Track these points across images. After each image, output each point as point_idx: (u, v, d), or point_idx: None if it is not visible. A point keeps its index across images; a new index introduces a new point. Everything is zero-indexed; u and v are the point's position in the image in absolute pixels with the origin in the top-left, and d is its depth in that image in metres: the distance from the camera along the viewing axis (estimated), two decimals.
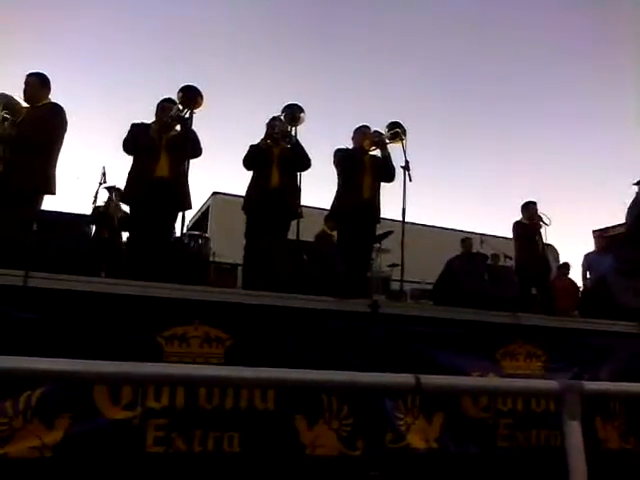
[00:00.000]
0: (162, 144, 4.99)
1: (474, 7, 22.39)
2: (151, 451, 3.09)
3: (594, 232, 12.44)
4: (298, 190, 5.55)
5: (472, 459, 3.75)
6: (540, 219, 7.33)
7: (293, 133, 5.51)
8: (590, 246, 12.50)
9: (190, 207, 5.19)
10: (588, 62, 25.28)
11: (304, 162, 5.45)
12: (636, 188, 6.58)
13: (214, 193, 13.67)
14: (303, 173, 5.57)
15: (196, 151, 5.09)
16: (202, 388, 3.18)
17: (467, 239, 9.47)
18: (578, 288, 9.61)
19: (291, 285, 3.83)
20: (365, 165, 5.50)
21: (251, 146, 5.55)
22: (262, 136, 5.63)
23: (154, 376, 1.91)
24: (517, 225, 7.48)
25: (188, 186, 5.12)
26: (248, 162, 5.48)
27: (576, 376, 3.96)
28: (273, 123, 5.54)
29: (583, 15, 22.89)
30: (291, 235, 5.56)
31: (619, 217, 8.05)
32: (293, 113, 5.52)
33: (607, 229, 11.57)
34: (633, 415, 4.22)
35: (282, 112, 5.57)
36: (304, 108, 5.50)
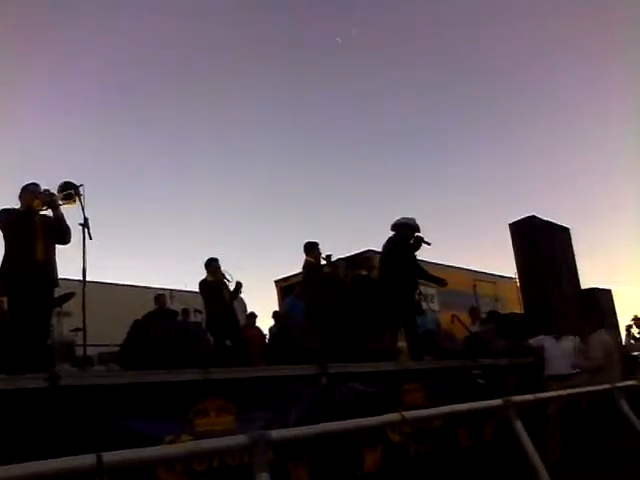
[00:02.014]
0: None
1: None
2: None
3: (276, 282, 13.47)
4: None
5: None
6: (223, 276, 7.64)
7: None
8: (273, 295, 13.56)
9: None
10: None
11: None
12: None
13: None
14: None
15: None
16: None
17: (161, 295, 9.29)
18: (264, 336, 10.18)
19: None
20: (36, 227, 5.01)
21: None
22: None
23: None
24: (203, 283, 7.67)
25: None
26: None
27: (268, 424, 4.10)
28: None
29: None
30: None
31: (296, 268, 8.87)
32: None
33: (287, 278, 12.63)
34: (320, 453, 4.50)
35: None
36: None
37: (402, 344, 7.73)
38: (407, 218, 7.44)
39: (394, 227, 7.42)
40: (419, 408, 5.12)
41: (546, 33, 23.14)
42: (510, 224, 10.01)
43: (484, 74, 25.20)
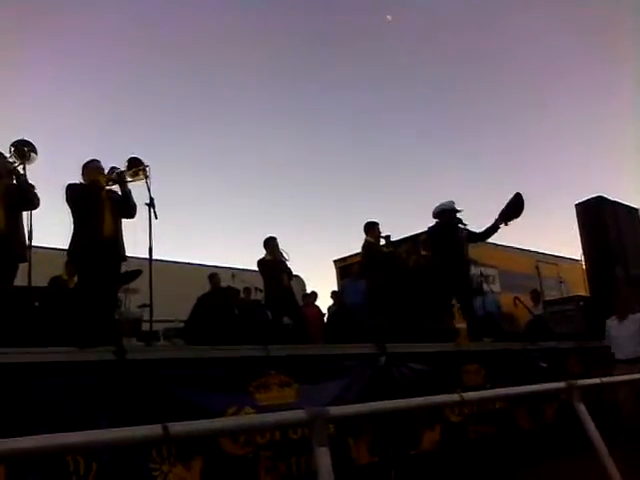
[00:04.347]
0: None
1: None
2: None
3: (335, 262, 13.52)
4: (23, 231, 5.01)
5: None
6: (281, 255, 7.71)
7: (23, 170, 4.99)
8: (332, 274, 13.62)
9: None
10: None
11: (31, 200, 4.95)
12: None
13: None
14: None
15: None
16: None
17: (214, 275, 9.38)
18: (323, 315, 10.26)
19: (20, 337, 3.40)
20: (103, 201, 5.06)
21: None
22: None
23: None
24: (261, 262, 7.76)
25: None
26: None
27: (328, 400, 4.15)
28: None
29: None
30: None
31: (355, 247, 8.88)
32: (23, 149, 5.04)
33: (345, 258, 12.66)
34: (378, 430, 4.54)
35: (11, 146, 5.06)
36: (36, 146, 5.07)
37: (461, 325, 7.66)
38: (444, 204, 7.34)
39: (436, 215, 7.35)
40: (479, 389, 5.09)
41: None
42: (576, 204, 9.71)
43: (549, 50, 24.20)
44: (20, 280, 4.97)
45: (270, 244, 7.75)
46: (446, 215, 7.22)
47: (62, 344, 3.70)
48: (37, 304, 5.13)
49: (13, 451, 2.26)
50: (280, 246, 7.76)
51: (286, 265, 7.74)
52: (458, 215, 7.25)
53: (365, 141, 29.47)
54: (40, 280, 5.32)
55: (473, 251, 9.97)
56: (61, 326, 4.50)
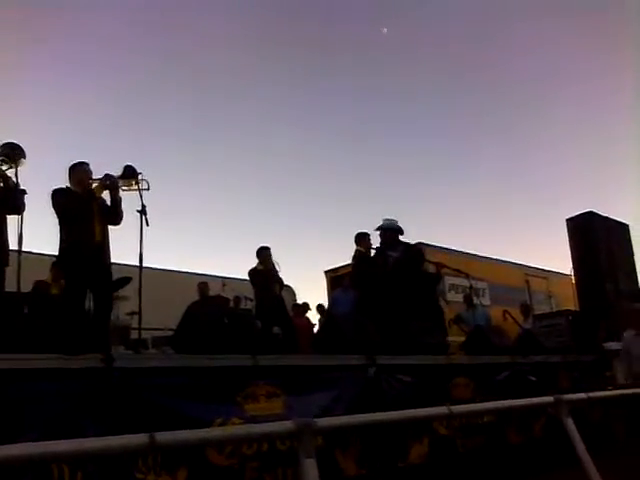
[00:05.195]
0: None
1: None
2: None
3: (326, 272, 13.54)
4: (6, 235, 4.99)
5: None
6: (273, 265, 7.72)
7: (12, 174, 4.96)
8: (323, 285, 13.63)
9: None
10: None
11: (17, 206, 4.94)
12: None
13: None
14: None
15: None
16: None
17: (203, 283, 9.41)
18: (313, 326, 10.25)
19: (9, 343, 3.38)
20: (93, 208, 5.01)
21: None
22: None
23: None
24: (253, 272, 7.77)
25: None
26: None
27: (315, 412, 4.13)
28: None
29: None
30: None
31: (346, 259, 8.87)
32: (12, 153, 5.00)
33: (337, 269, 12.67)
34: (367, 442, 4.52)
35: None
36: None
37: (451, 338, 7.68)
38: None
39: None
40: (468, 402, 5.09)
41: None
42: (567, 219, 9.79)
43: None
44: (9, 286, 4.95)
45: (263, 254, 7.77)
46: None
47: (51, 351, 3.66)
48: (26, 310, 5.08)
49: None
50: (272, 256, 7.78)
51: (278, 275, 7.75)
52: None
53: (359, 151, 29.61)
54: (30, 286, 5.27)
55: (463, 263, 10.06)
56: (49, 333, 4.47)
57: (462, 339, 7.66)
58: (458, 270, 8.83)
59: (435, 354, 5.81)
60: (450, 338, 7.66)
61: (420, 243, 11.78)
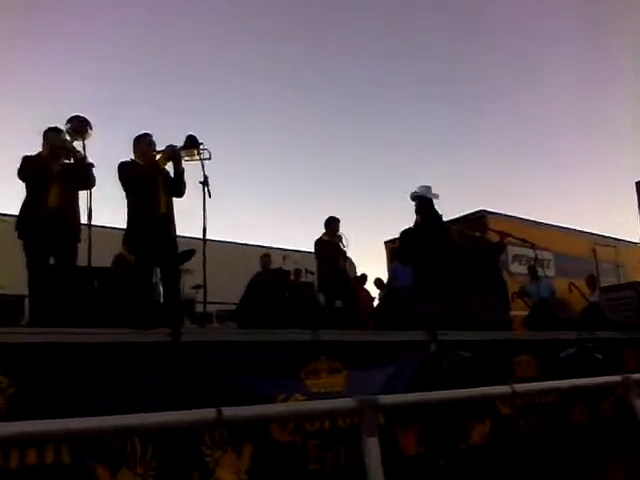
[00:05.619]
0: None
1: None
2: None
3: (386, 243, 13.43)
4: (79, 211, 5.13)
5: None
6: (340, 239, 7.64)
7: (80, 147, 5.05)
8: (382, 256, 13.56)
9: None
10: None
11: (87, 179, 5.02)
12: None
13: None
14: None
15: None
16: None
17: (265, 255, 9.44)
18: (373, 299, 10.24)
19: (81, 317, 3.50)
20: (158, 180, 4.98)
21: (26, 157, 4.98)
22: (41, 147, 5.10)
23: None
24: (319, 242, 7.69)
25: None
26: (23, 175, 4.94)
27: (377, 388, 4.14)
28: (53, 135, 5.05)
29: None
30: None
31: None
32: (79, 125, 5.05)
33: (396, 240, 12.55)
34: (427, 420, 4.50)
35: (67, 123, 5.07)
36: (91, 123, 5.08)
37: (514, 312, 7.52)
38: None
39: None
40: (531, 381, 5.00)
41: None
42: (637, 182, 9.33)
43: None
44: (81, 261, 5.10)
45: (332, 224, 7.66)
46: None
47: (121, 324, 3.77)
48: (97, 284, 5.26)
49: (75, 431, 2.38)
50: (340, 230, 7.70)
51: (342, 249, 7.66)
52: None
53: (410, 124, 29.03)
54: (100, 260, 5.43)
55: (527, 232, 9.76)
56: (120, 307, 4.60)
57: (525, 313, 7.47)
58: (523, 239, 8.57)
59: (497, 330, 5.70)
60: (513, 312, 7.50)
61: (483, 210, 11.55)
